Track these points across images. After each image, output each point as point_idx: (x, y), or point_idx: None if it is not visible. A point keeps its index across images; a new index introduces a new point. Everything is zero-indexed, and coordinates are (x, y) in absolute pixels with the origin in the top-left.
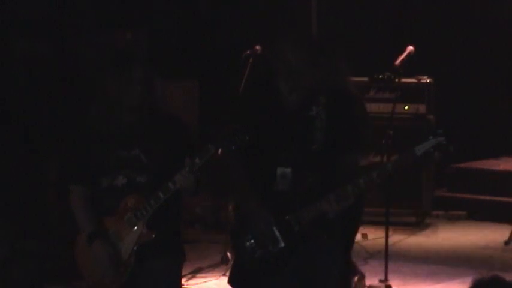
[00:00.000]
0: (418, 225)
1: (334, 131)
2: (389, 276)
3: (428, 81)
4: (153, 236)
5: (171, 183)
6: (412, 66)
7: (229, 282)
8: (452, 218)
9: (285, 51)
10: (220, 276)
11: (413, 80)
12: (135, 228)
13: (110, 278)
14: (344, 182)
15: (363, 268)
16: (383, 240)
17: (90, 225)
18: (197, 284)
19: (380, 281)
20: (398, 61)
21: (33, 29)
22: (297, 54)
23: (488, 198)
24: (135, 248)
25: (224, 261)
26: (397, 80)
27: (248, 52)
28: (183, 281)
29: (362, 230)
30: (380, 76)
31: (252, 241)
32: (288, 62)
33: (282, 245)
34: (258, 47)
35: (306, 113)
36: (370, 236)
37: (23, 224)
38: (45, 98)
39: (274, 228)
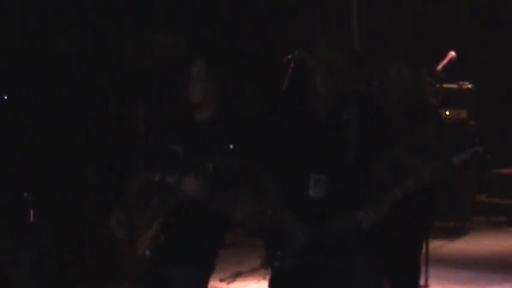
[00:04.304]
0: (459, 230)
1: (367, 137)
2: (430, 282)
3: (469, 86)
4: (162, 238)
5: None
6: (453, 71)
7: (270, 286)
8: (493, 223)
9: (328, 54)
10: (260, 280)
11: (455, 86)
12: (151, 227)
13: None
14: (379, 191)
15: None
16: (423, 246)
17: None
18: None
19: (420, 286)
20: (439, 66)
21: (72, 29)
22: (340, 55)
23: None
24: (148, 247)
25: (264, 265)
26: (438, 85)
27: (289, 57)
28: (224, 284)
29: None
30: None
31: (287, 251)
32: (330, 65)
33: (317, 255)
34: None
35: (339, 119)
36: None
37: (62, 225)
38: (83, 99)
39: (309, 239)
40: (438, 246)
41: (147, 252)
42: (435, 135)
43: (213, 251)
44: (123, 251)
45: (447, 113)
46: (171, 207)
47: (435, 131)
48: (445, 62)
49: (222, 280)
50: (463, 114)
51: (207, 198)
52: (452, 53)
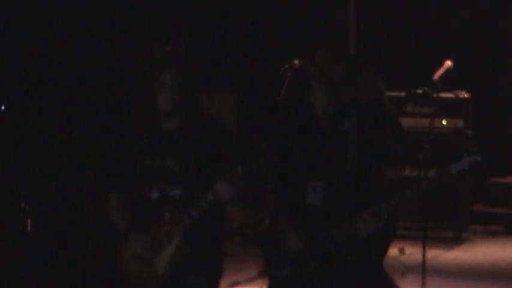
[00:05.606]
0: (456, 239)
1: (366, 147)
2: None
3: (465, 96)
4: (188, 251)
5: (204, 198)
6: (449, 80)
7: None
8: (490, 232)
9: (328, 64)
10: None
11: (451, 95)
12: (171, 242)
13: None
14: (377, 200)
15: (400, 283)
16: (420, 255)
17: (126, 223)
18: None
19: None
20: (436, 76)
21: (70, 37)
22: (340, 67)
23: None
24: (170, 263)
25: (262, 275)
26: (434, 94)
27: (286, 66)
28: None
29: (400, 244)
30: (418, 91)
31: (284, 260)
32: (331, 74)
33: (315, 263)
34: (296, 61)
35: (339, 127)
36: (407, 251)
37: (60, 235)
38: (81, 107)
39: (307, 247)
40: (435, 255)
41: (169, 268)
42: (391, 136)
43: (223, 254)
44: (134, 268)
45: (443, 122)
46: (194, 218)
47: (391, 132)
48: (441, 71)
49: None
50: (460, 123)
51: (240, 203)
52: (448, 63)
